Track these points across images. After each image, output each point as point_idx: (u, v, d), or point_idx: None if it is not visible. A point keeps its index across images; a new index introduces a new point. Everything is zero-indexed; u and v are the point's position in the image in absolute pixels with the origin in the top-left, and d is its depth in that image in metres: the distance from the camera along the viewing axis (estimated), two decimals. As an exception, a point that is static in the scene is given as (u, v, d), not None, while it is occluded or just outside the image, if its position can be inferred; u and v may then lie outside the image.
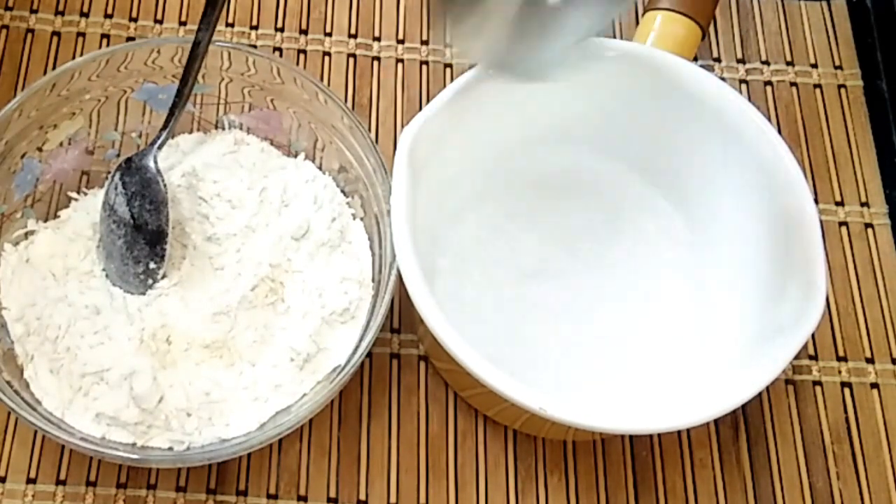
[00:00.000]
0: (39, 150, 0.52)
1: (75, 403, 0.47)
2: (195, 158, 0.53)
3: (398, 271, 0.45)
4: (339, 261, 0.52)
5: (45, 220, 0.52)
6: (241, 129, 0.55)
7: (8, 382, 0.46)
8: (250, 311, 0.50)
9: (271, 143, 0.55)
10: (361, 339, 0.48)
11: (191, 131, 0.55)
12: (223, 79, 0.53)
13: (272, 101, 0.54)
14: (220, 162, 0.53)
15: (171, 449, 0.47)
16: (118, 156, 0.55)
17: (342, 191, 0.54)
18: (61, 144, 0.52)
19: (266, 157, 0.54)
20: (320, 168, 0.54)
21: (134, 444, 0.47)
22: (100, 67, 0.51)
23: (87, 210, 0.52)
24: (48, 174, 0.52)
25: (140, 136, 0.55)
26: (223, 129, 0.55)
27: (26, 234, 0.52)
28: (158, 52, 0.52)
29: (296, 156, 0.55)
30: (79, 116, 0.52)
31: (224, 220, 0.52)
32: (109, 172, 0.52)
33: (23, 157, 0.51)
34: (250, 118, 0.55)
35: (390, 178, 0.47)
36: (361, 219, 0.53)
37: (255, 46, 0.61)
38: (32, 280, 0.50)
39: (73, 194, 0.53)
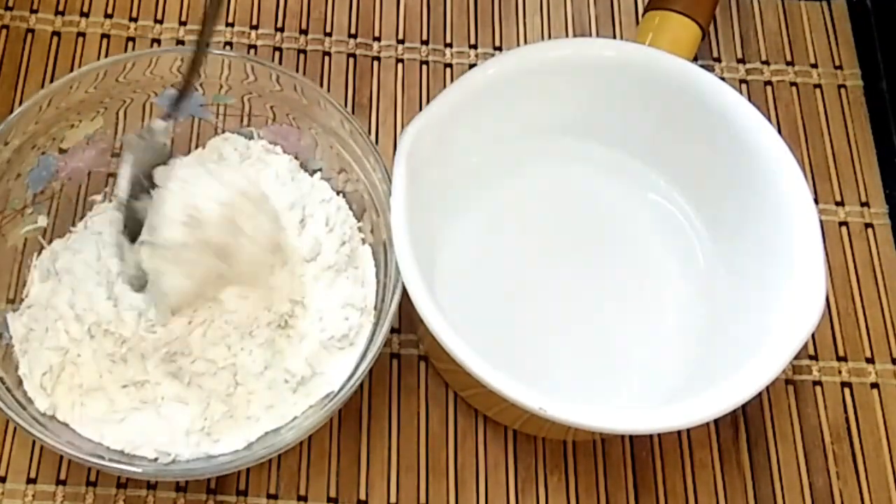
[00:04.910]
0: (57, 147, 0.52)
1: (67, 406, 0.47)
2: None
3: (399, 301, 0.45)
4: (343, 285, 0.51)
5: (56, 218, 0.52)
6: (257, 138, 0.55)
7: (0, 379, 0.46)
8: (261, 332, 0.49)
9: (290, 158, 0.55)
10: (357, 367, 0.48)
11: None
12: (248, 92, 0.53)
13: (294, 118, 0.53)
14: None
15: (156, 460, 0.46)
16: None
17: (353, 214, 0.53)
18: (83, 144, 0.52)
19: (290, 172, 0.54)
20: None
21: (122, 451, 0.47)
22: (126, 70, 0.51)
23: (105, 217, 0.52)
24: (63, 172, 0.53)
25: None
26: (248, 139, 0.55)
27: (37, 233, 0.52)
28: (182, 59, 0.51)
29: (311, 174, 0.54)
30: (99, 117, 0.52)
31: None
32: None
33: (39, 153, 0.51)
34: (269, 132, 0.54)
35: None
36: (370, 244, 0.52)
37: (255, 47, 0.61)
38: (43, 281, 0.50)
39: (97, 197, 0.53)
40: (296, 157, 0.54)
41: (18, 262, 0.51)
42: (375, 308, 0.50)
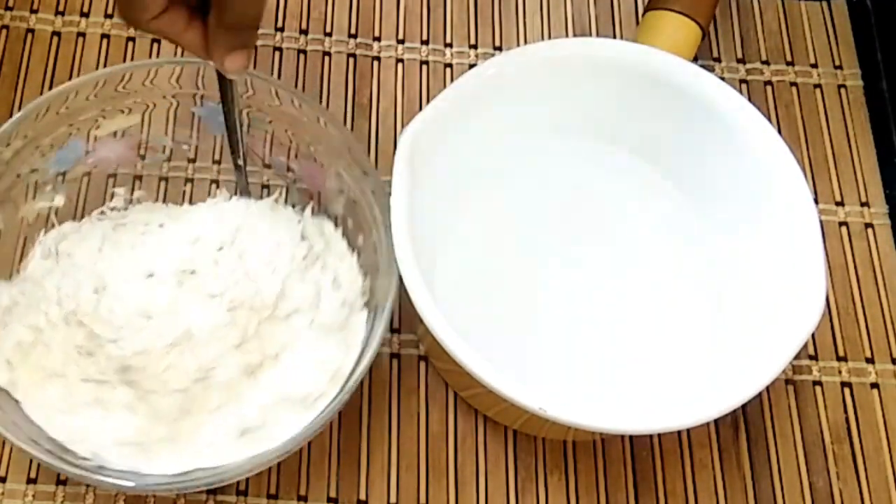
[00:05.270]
0: (88, 133, 0.52)
1: (26, 385, 0.47)
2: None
3: (369, 363, 0.45)
4: (325, 348, 0.49)
5: (75, 202, 0.53)
6: (287, 171, 0.54)
7: None
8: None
9: (309, 196, 0.54)
10: (308, 427, 0.46)
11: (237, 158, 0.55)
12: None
13: (314, 152, 0.52)
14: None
15: (88, 460, 0.46)
16: (168, 160, 0.55)
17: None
18: (115, 135, 0.53)
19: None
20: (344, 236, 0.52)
21: (61, 443, 0.46)
22: (173, 75, 0.51)
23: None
24: (91, 158, 0.53)
25: (190, 148, 0.55)
26: (269, 168, 0.54)
27: (51, 211, 0.52)
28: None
29: (335, 220, 0.52)
30: (136, 114, 0.52)
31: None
32: (159, 177, 0.54)
33: (70, 135, 0.51)
34: (297, 164, 0.53)
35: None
36: (366, 304, 0.50)
37: (255, 47, 0.61)
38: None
39: (120, 190, 0.54)
40: (318, 198, 0.53)
41: (25, 234, 0.52)
42: (350, 374, 0.48)
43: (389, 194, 0.47)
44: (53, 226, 0.52)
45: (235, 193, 0.50)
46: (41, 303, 0.48)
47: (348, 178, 0.51)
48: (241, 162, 0.50)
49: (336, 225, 0.52)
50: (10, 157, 0.49)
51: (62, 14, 0.61)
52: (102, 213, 0.53)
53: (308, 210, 0.53)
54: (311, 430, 0.45)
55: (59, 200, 0.52)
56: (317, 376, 0.48)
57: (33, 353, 0.48)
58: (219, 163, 0.56)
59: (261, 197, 0.54)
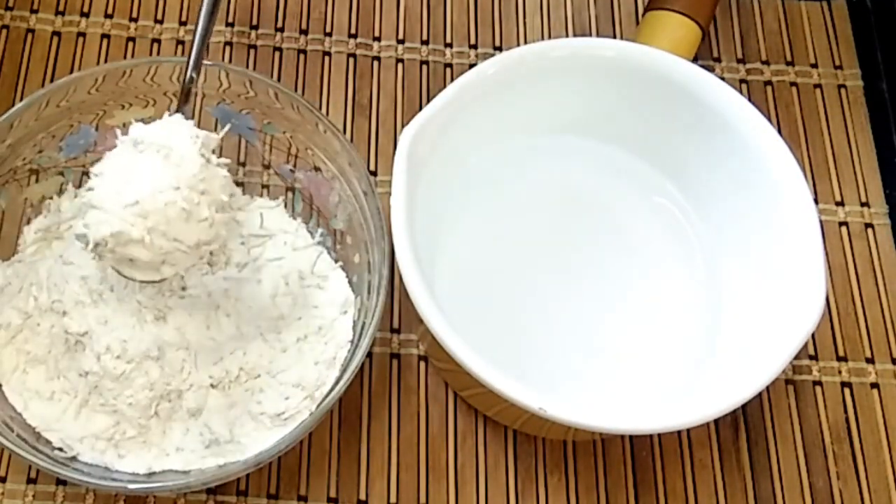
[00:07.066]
0: (100, 121, 0.52)
1: (8, 368, 0.47)
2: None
3: (347, 383, 0.45)
4: (306, 363, 0.49)
5: (79, 187, 0.53)
6: (294, 182, 0.54)
7: None
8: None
9: (315, 210, 0.54)
10: (280, 441, 0.46)
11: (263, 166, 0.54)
12: (288, 131, 0.53)
13: (323, 169, 0.52)
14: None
15: (59, 450, 0.46)
16: None
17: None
18: (124, 125, 0.53)
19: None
20: (345, 263, 0.52)
21: (34, 429, 0.46)
22: (174, 72, 0.51)
23: None
24: (101, 147, 0.53)
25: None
26: (282, 178, 0.54)
27: (60, 189, 0.53)
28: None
29: (335, 234, 0.53)
30: (151, 107, 0.52)
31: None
32: None
33: (80, 122, 0.51)
34: (306, 177, 0.53)
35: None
36: (354, 319, 0.51)
37: (255, 47, 0.61)
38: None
39: None
40: (319, 212, 0.53)
41: (28, 216, 0.52)
42: (327, 394, 0.48)
43: (389, 194, 0.47)
44: (58, 210, 0.52)
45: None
46: (32, 287, 0.48)
47: (350, 194, 0.51)
48: (193, 86, 0.49)
49: (335, 239, 0.53)
50: (17, 139, 0.49)
51: (62, 14, 0.61)
52: None
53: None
54: (282, 446, 0.45)
55: (66, 185, 0.53)
56: (292, 393, 0.48)
57: (19, 337, 0.48)
58: (242, 165, 0.56)
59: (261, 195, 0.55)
